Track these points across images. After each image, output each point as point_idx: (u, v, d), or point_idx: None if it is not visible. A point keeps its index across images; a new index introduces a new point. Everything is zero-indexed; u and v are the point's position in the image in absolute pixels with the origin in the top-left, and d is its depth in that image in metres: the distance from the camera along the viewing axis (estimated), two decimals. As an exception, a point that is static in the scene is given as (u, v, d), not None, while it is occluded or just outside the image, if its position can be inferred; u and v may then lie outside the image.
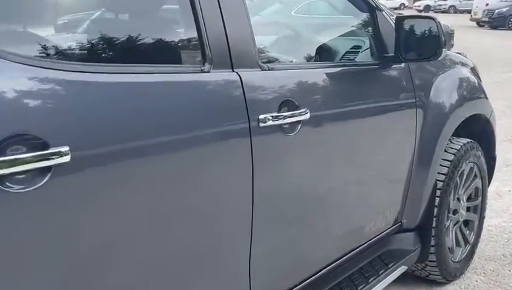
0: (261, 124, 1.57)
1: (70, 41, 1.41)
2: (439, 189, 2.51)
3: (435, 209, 2.50)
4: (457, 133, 2.65)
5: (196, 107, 1.42)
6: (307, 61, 2.16)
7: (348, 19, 2.46)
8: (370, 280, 2.15)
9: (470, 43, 14.42)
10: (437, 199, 2.50)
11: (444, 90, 2.49)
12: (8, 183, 1.04)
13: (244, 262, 1.62)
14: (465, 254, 2.83)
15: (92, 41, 1.39)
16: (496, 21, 21.99)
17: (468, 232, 2.88)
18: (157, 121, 1.31)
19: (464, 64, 2.84)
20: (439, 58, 2.09)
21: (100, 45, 1.39)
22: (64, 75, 1.16)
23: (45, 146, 1.09)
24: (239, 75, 1.55)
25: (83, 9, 1.66)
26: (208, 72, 1.48)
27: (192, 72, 1.46)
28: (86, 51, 1.36)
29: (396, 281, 2.38)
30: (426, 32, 2.09)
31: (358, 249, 2.18)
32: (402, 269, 2.34)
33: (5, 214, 1.05)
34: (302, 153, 1.76)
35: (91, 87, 1.20)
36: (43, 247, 1.11)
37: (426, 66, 2.42)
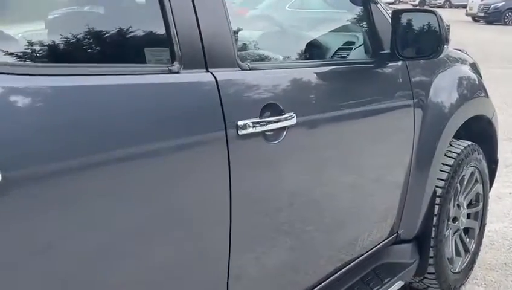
0: (240, 132, 1.38)
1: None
2: (439, 196, 2.34)
3: (434, 218, 2.33)
4: (457, 134, 2.47)
5: (162, 114, 1.23)
6: (295, 59, 1.96)
7: (340, 13, 2.27)
8: (363, 298, 1.98)
9: (465, 38, 14.26)
10: (436, 207, 2.33)
11: (444, 90, 2.31)
12: None
13: (222, 278, 1.44)
14: (465, 264, 2.66)
15: (30, 39, 1.19)
16: (491, 16, 21.83)
17: (468, 240, 2.71)
18: (111, 133, 1.12)
19: (464, 62, 2.66)
20: (440, 57, 1.89)
21: (37, 43, 1.19)
22: None
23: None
24: (214, 76, 1.36)
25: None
26: (177, 72, 1.29)
27: (158, 73, 1.27)
28: (22, 50, 1.16)
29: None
30: (425, 27, 1.90)
31: (350, 264, 2.00)
32: (398, 284, 2.16)
33: None
34: (288, 162, 1.57)
35: (24, 94, 1.01)
36: None
37: (425, 64, 2.23)
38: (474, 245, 2.73)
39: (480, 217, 2.77)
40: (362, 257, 2.06)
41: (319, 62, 1.95)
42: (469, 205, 2.68)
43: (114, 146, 1.12)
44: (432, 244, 2.35)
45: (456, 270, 2.58)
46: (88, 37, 1.25)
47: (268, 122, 1.46)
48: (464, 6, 25.31)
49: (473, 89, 2.58)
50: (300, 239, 1.73)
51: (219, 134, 1.33)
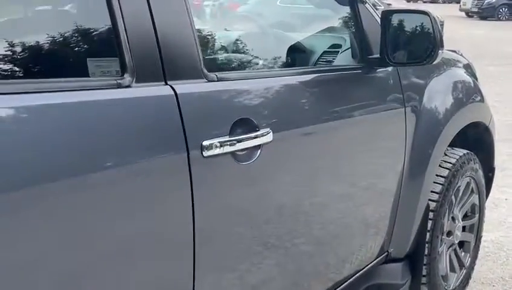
0: (205, 153, 1.20)
1: None
2: (432, 211, 2.18)
3: (427, 235, 2.17)
4: (452, 143, 2.31)
5: (109, 136, 1.05)
6: (273, 67, 1.77)
7: (323, 13, 2.08)
8: (350, 326, 1.81)
9: (459, 35, 14.15)
10: (429, 223, 2.17)
11: (438, 96, 2.14)
12: None
13: None
14: (460, 280, 2.50)
15: None
16: (485, 11, 21.75)
17: (463, 254, 2.56)
18: (45, 163, 0.94)
19: (460, 64, 2.49)
20: (434, 63, 1.71)
21: None
22: None
23: None
24: (173, 89, 1.17)
25: None
26: (128, 86, 1.11)
27: (105, 88, 1.08)
28: None
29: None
30: (418, 30, 1.72)
31: (338, 288, 1.83)
32: (389, 307, 2.00)
33: None
34: (262, 184, 1.39)
35: None
36: None
37: (418, 69, 2.05)
38: (469, 259, 2.58)
39: (476, 230, 2.62)
40: (351, 279, 1.89)
41: (301, 69, 1.76)
42: (464, 217, 2.52)
43: (47, 179, 0.94)
44: (424, 262, 2.19)
45: (451, 288, 2.43)
46: (16, 47, 1.06)
47: (239, 141, 1.28)
48: (458, 2, 25.20)
49: (469, 94, 2.41)
50: (280, 266, 1.56)
51: (179, 157, 1.15)
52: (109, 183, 1.04)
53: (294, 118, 1.50)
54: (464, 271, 2.53)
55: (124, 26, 1.09)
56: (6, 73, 1.03)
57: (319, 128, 1.58)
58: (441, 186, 2.20)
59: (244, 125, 1.31)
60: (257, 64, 1.71)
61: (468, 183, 2.46)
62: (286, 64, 1.79)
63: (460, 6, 23.79)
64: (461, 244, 2.54)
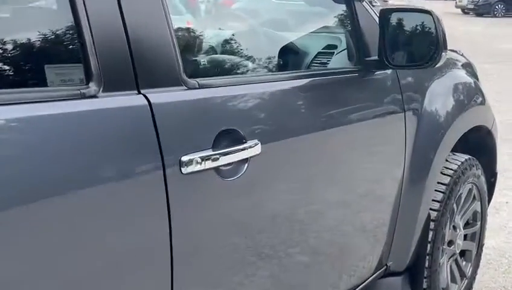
0: (184, 169, 1.08)
1: None
2: (433, 220, 2.06)
3: (428, 246, 2.05)
4: (453, 147, 2.19)
5: (70, 155, 0.92)
6: (261, 71, 1.64)
7: (317, 11, 1.94)
8: None
9: (455, 31, 14.02)
10: (430, 233, 2.05)
11: (440, 99, 2.02)
12: None
13: None
14: (461, 291, 2.39)
15: None
16: (481, 8, 21.69)
17: (464, 264, 2.45)
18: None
19: (461, 65, 2.37)
20: (437, 65, 1.59)
21: None
22: None
23: None
24: (147, 98, 1.04)
25: None
26: (94, 96, 0.97)
27: (66, 99, 0.95)
28: None
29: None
30: (419, 30, 1.59)
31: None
32: (388, 324, 1.88)
33: None
34: (249, 202, 1.27)
35: None
36: None
37: (418, 71, 1.92)
38: (471, 269, 2.47)
39: (478, 238, 2.51)
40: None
41: (293, 73, 1.63)
42: (465, 225, 2.41)
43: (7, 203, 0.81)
44: (425, 275, 2.07)
45: (452, 300, 2.31)
46: None
47: (224, 154, 1.15)
48: (454, -2, 25.10)
49: (471, 97, 2.29)
50: (269, 287, 1.43)
51: (154, 175, 1.03)
52: (69, 210, 0.91)
53: (286, 127, 1.37)
54: (466, 281, 2.42)
55: (88, 26, 0.96)
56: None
57: (312, 137, 1.45)
58: (442, 194, 2.09)
59: (229, 137, 1.18)
60: (244, 68, 1.57)
61: (470, 190, 2.35)
62: (277, 68, 1.66)
63: (456, 3, 23.72)
64: (462, 253, 2.43)
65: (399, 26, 1.62)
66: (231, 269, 1.28)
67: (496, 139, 2.52)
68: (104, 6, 0.99)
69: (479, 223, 2.48)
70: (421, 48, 1.59)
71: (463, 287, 2.40)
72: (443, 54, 1.53)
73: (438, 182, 2.07)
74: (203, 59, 1.52)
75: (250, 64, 1.60)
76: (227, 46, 1.67)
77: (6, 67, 0.98)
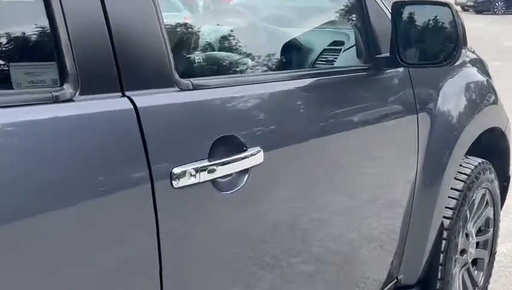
0: (176, 183, 0.94)
1: None
2: (446, 229, 1.93)
3: (441, 256, 1.93)
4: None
5: (41, 168, 0.78)
6: (263, 69, 1.49)
7: (323, 4, 1.80)
8: None
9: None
10: (443, 243, 1.93)
11: (454, 100, 1.90)
12: None
13: None
14: (473, 302, 2.26)
15: None
16: (481, 5, 21.61)
17: (476, 273, 2.32)
18: None
19: (474, 63, 2.24)
20: (456, 64, 1.45)
21: None
22: None
23: None
24: (133, 102, 0.90)
25: None
26: (70, 100, 0.83)
27: (36, 104, 0.81)
28: None
29: None
30: (436, 24, 1.45)
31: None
32: None
33: None
34: (250, 217, 1.13)
35: None
36: None
37: (431, 69, 1.78)
38: (483, 278, 2.35)
39: (490, 245, 2.38)
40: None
41: (297, 72, 1.48)
42: (477, 232, 2.28)
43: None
44: (437, 287, 1.95)
45: (464, 312, 2.18)
46: None
47: (221, 164, 1.01)
48: (453, -5, 25.01)
49: (486, 96, 2.17)
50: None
51: (141, 190, 0.89)
52: (41, 235, 0.77)
53: (290, 132, 1.23)
54: (478, 291, 2.30)
55: (63, 17, 0.82)
56: None
57: (319, 142, 1.32)
58: (455, 200, 1.97)
59: (227, 144, 1.05)
60: (244, 67, 1.43)
61: (483, 196, 2.23)
62: (280, 66, 1.52)
63: (455, 0, 23.62)
64: (474, 261, 2.31)
65: (413, 20, 1.48)
66: None
67: (509, 141, 2.39)
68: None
69: (491, 230, 2.36)
70: (438, 44, 1.46)
71: (475, 297, 2.28)
72: (463, 50, 1.39)
73: (451, 188, 1.95)
74: (198, 57, 1.37)
75: (250, 63, 1.46)
76: (225, 43, 1.52)
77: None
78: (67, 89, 0.83)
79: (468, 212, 2.10)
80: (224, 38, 1.52)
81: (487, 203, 2.27)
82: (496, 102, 2.25)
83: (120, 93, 0.90)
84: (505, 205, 3.44)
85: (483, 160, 2.16)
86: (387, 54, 1.53)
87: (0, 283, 0.75)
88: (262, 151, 1.10)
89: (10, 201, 0.75)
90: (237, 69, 1.42)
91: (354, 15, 1.66)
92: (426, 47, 1.50)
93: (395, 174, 1.71)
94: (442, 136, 1.82)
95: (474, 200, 2.13)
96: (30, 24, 0.87)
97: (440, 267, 1.94)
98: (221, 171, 1.01)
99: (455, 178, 1.98)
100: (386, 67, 1.58)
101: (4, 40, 0.86)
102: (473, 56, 2.34)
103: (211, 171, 0.99)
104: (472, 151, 2.15)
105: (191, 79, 1.04)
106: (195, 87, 1.03)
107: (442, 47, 1.46)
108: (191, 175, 0.95)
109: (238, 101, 1.13)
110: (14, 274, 0.76)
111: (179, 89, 1.00)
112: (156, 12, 0.96)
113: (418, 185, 1.76)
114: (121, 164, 0.87)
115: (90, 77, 0.85)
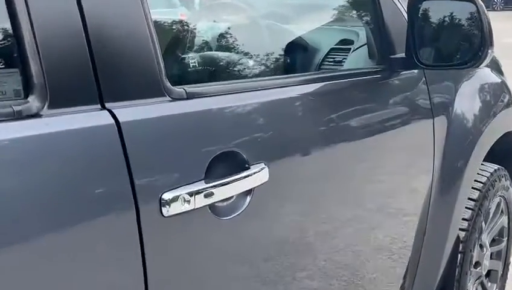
0: (166, 211, 0.80)
1: None
2: (462, 241, 1.81)
3: (456, 271, 1.80)
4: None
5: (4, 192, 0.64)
6: (266, 74, 1.34)
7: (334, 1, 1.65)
8: None
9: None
10: (459, 256, 1.81)
11: (471, 103, 1.77)
12: None
13: None
14: (487, 316, 2.15)
15: None
16: (479, 1, 21.60)
17: (490, 285, 2.20)
18: None
19: (489, 63, 2.11)
20: (481, 66, 1.31)
21: None
22: None
23: None
24: (114, 115, 0.76)
25: None
26: (36, 115, 0.69)
27: None
28: None
29: None
30: (458, 22, 1.31)
31: None
32: None
33: None
34: (254, 246, 0.98)
35: None
36: None
37: (446, 71, 1.65)
38: (497, 290, 2.22)
39: (504, 256, 2.26)
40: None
41: (304, 77, 1.33)
42: (491, 243, 2.17)
43: None
44: (452, 305, 1.83)
45: (477, 327, 2.07)
46: None
47: (220, 186, 0.87)
48: (451, -8, 24.99)
49: (502, 98, 2.05)
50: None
51: (124, 220, 0.75)
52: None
53: (298, 145, 1.09)
54: (492, 305, 2.18)
55: (27, 14, 0.67)
56: None
57: (329, 154, 1.18)
58: (471, 211, 1.85)
59: (227, 161, 0.91)
60: (245, 71, 1.28)
61: (498, 204, 2.11)
62: (285, 70, 1.38)
63: (454, -4, 23.61)
64: (487, 273, 2.19)
65: (432, 17, 1.34)
66: None
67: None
68: None
69: (505, 239, 2.24)
70: (462, 44, 1.32)
71: (489, 311, 2.16)
72: (490, 51, 1.25)
73: (468, 198, 1.83)
74: (193, 60, 1.21)
75: (252, 67, 1.31)
76: (223, 45, 1.36)
77: None
78: (33, 102, 0.69)
79: (483, 222, 1.99)
80: (223, 39, 1.36)
81: (502, 211, 2.16)
82: (511, 104, 2.13)
83: (99, 106, 0.76)
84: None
85: (499, 166, 2.04)
86: (403, 55, 1.39)
87: None
88: (267, 168, 0.96)
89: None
90: (238, 74, 1.27)
91: (365, 11, 1.51)
92: (446, 47, 1.36)
93: (410, 183, 1.58)
94: (459, 142, 1.70)
95: (489, 209, 2.02)
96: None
97: (455, 283, 1.82)
98: (220, 194, 0.87)
99: (472, 187, 1.86)
100: (401, 69, 1.44)
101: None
102: (487, 55, 2.21)
103: (208, 195, 0.85)
104: (486, 156, 2.04)
105: (185, 86, 0.90)
106: (190, 96, 0.89)
107: (465, 47, 1.32)
108: (185, 201, 0.81)
109: (241, 111, 0.98)
110: None
111: (170, 99, 0.86)
112: (143, 7, 0.82)
113: (434, 194, 1.64)
114: (99, 191, 0.73)
115: (61, 87, 0.71)
